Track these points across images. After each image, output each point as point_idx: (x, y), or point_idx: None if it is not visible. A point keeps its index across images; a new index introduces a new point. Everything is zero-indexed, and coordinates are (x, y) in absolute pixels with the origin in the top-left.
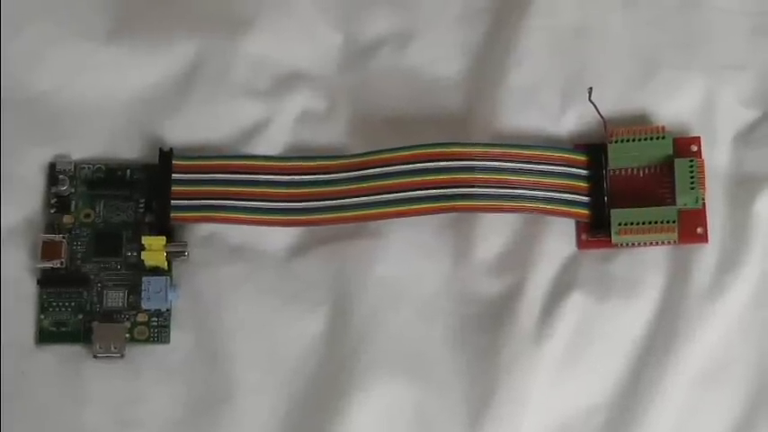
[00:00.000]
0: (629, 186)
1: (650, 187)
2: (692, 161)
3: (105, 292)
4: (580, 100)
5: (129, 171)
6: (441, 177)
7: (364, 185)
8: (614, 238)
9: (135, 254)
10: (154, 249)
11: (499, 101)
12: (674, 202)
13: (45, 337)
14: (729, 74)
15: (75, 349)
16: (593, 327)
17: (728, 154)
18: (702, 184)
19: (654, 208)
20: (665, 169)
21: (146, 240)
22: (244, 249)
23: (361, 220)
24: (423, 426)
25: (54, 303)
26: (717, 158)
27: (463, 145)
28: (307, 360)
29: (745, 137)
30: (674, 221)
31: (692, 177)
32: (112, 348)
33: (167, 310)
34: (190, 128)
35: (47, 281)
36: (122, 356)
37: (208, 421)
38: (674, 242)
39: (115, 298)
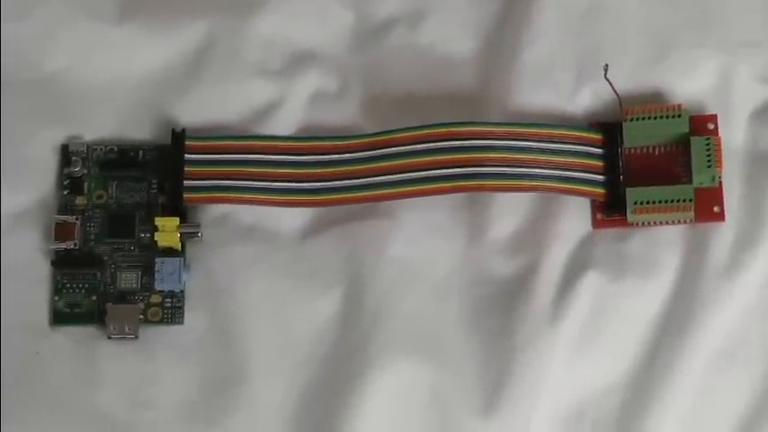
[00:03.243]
0: (645, 165)
1: (666, 166)
2: (708, 139)
3: (119, 273)
4: (595, 78)
5: (141, 152)
6: (454, 157)
7: (377, 165)
8: (630, 218)
9: (148, 235)
10: (167, 230)
11: (513, 79)
12: (690, 181)
13: (59, 318)
14: (745, 51)
15: (89, 330)
16: (609, 306)
17: (745, 132)
18: (719, 162)
19: (670, 187)
20: (681, 148)
21: (159, 221)
22: (257, 230)
23: (374, 201)
24: (437, 406)
25: (68, 285)
26: (733, 136)
27: (477, 124)
28: (320, 341)
29: (762, 114)
30: (690, 200)
31: (708, 156)
32: (126, 329)
33: (181, 291)
34: (202, 108)
35: (60, 262)
36: (136, 338)
37: (222, 402)
38: (691, 221)
39: (129, 279)
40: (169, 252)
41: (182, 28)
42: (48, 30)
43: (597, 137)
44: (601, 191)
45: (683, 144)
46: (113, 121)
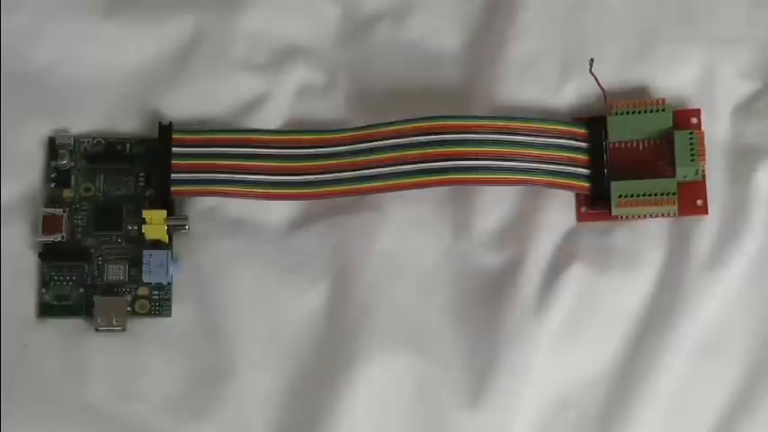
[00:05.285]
0: (629, 159)
1: (650, 160)
2: (691, 133)
3: (106, 265)
4: (580, 73)
5: (128, 145)
6: (440, 150)
7: (364, 159)
8: (614, 211)
9: (136, 227)
10: (155, 223)
11: (499, 74)
12: (673, 175)
13: (47, 310)
14: (729, 46)
15: (76, 323)
16: (593, 299)
17: (728, 126)
18: (702, 156)
19: (654, 180)
20: (665, 142)
21: (147, 214)
22: (244, 223)
23: (360, 194)
24: (424, 398)
25: (55, 277)
26: (717, 130)
27: (463, 118)
28: (307, 333)
29: (745, 109)
30: (674, 194)
31: (692, 149)
32: (114, 322)
33: (168, 283)
34: (189, 102)
35: (48, 255)
36: (124, 330)
37: (209, 394)
38: (674, 214)
39: (116, 272)
40: (157, 244)
41: (169, 22)
42: (35, 23)
43: (582, 131)
44: (585, 184)
45: (666, 138)
46: (100, 114)
